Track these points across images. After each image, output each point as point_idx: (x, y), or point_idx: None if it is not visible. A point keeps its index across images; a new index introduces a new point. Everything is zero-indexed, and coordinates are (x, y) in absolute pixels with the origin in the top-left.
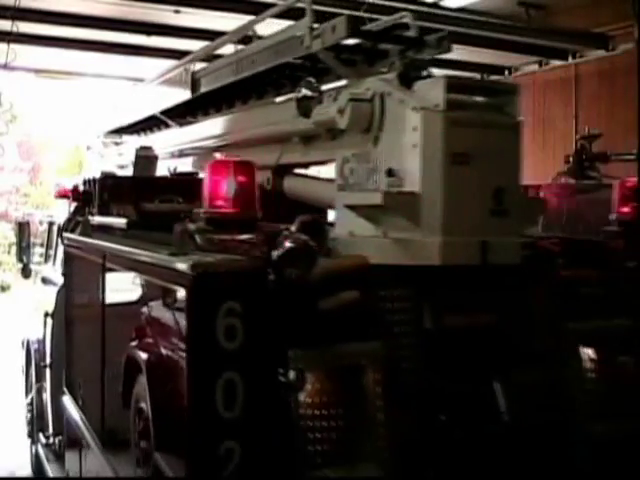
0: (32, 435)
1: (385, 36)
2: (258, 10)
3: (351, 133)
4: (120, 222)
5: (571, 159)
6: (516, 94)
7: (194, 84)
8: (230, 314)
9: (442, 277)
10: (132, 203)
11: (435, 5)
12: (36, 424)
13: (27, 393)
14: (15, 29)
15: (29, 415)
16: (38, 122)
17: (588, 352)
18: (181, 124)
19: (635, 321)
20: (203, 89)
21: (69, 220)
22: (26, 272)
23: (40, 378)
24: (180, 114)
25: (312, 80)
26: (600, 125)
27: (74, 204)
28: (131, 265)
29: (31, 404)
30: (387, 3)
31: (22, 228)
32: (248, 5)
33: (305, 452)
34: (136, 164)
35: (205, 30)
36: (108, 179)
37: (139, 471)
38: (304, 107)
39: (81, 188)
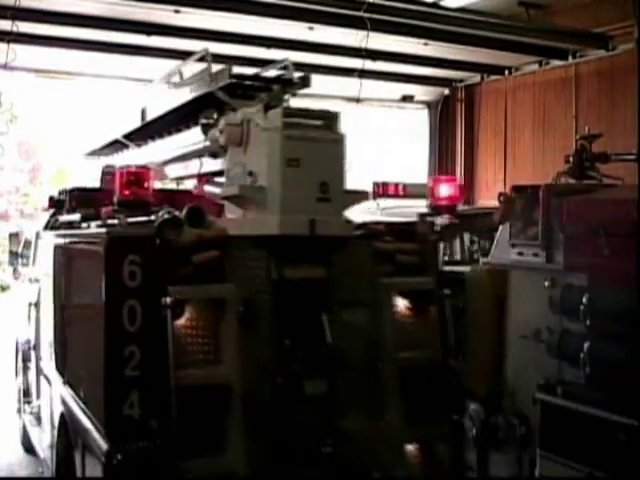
0: (20, 410)
1: (268, 77)
2: (257, 10)
3: (231, 148)
4: (76, 217)
5: (571, 159)
6: (338, 118)
7: (142, 113)
8: (132, 263)
9: (284, 243)
10: (93, 208)
11: (435, 5)
12: (23, 399)
13: (17, 374)
14: (15, 29)
15: (18, 393)
16: (38, 122)
17: (397, 300)
18: (139, 145)
19: (435, 278)
20: (148, 118)
21: (47, 222)
22: (16, 274)
23: (27, 360)
24: (139, 137)
25: (212, 110)
26: (600, 125)
27: (52, 210)
28: (76, 239)
29: (20, 384)
30: (387, 3)
31: (13, 237)
32: (248, 5)
33: (180, 356)
34: (102, 179)
35: (205, 30)
36: (76, 190)
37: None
38: (205, 130)
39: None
